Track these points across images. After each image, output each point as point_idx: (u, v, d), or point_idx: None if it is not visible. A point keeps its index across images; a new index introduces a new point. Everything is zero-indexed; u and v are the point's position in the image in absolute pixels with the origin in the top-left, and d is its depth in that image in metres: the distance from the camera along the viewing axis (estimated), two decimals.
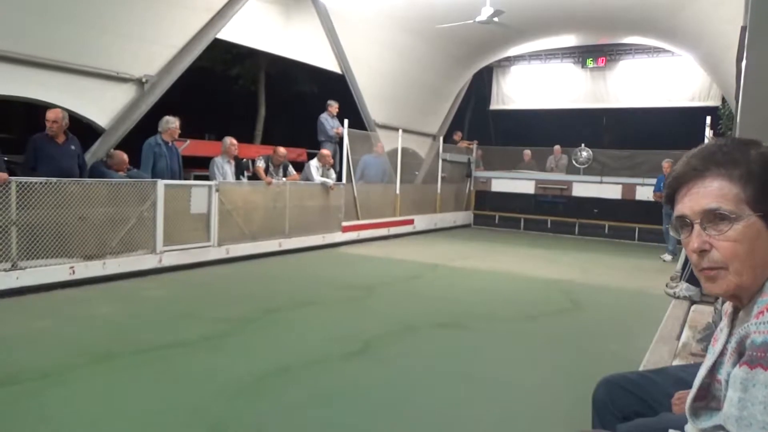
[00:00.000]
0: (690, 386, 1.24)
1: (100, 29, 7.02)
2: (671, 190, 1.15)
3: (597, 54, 15.34)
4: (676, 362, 2.70)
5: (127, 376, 3.71)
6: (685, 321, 4.04)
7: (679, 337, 3.69)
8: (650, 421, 1.42)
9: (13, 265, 5.58)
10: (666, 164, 10.19)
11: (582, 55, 15.54)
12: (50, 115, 6.16)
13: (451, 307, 6.03)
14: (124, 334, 4.60)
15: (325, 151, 9.99)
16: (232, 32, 8.71)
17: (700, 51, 11.61)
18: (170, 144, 7.50)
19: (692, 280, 4.94)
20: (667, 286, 5.59)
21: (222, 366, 3.95)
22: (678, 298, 5.01)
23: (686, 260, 5.72)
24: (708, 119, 10.37)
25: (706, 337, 2.87)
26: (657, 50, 14.29)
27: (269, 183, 8.64)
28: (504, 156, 15.80)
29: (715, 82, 13.29)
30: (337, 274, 7.74)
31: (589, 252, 10.81)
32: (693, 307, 4.06)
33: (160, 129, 7.40)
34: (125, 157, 7.20)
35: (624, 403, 1.63)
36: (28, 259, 5.71)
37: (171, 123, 7.42)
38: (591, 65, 15.51)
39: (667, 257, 9.86)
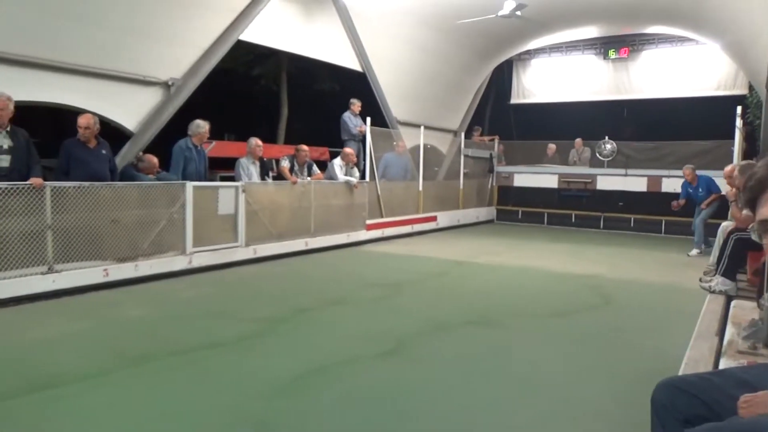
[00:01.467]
0: (754, 388, 1.22)
1: (126, 33, 7.10)
2: (753, 194, 1.13)
3: (619, 45, 15.10)
4: (723, 361, 2.65)
5: (166, 378, 3.76)
6: (723, 317, 3.98)
7: (718, 334, 3.63)
8: (719, 425, 1.39)
9: (49, 269, 5.69)
10: (687, 171, 9.90)
11: (604, 46, 15.32)
12: (82, 121, 6.25)
13: (480, 304, 6.01)
14: (160, 335, 4.67)
15: (349, 150, 10.01)
16: (255, 33, 8.75)
17: (727, 39, 11.37)
18: (199, 147, 7.59)
19: (728, 275, 4.87)
20: (701, 280, 5.51)
21: (258, 366, 3.99)
22: (713, 292, 4.93)
23: (721, 254, 5.63)
24: (739, 109, 10.14)
25: (752, 334, 2.81)
26: (681, 39, 14.03)
27: (294, 182, 8.69)
28: (526, 150, 15.66)
29: (742, 70, 13.02)
30: (364, 273, 7.75)
31: (616, 246, 10.69)
32: (734, 303, 3.98)
33: (190, 132, 7.49)
34: (155, 160, 7.30)
35: (685, 406, 1.61)
36: (63, 262, 5.82)
37: (201, 127, 7.50)
38: (613, 56, 15.28)
39: (694, 252, 9.61)
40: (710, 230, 8.54)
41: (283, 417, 3.15)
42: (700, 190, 9.77)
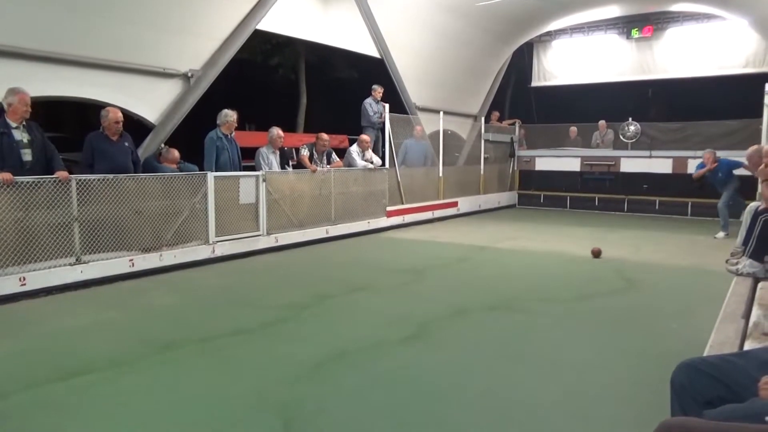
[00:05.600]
0: None
1: (146, 26, 7.17)
2: None
3: (642, 23, 14.72)
4: (748, 343, 2.62)
5: (192, 364, 3.85)
6: (750, 299, 3.91)
7: (745, 316, 3.58)
8: (739, 406, 1.38)
9: (77, 260, 5.83)
10: (707, 155, 9.62)
11: (627, 25, 14.97)
12: (114, 115, 6.36)
13: (502, 288, 6.00)
14: (186, 323, 4.76)
15: (364, 136, 10.02)
16: (272, 22, 8.75)
17: (755, 14, 11.06)
18: (229, 136, 7.67)
19: (756, 257, 4.77)
20: (727, 262, 5.41)
21: (281, 352, 4.05)
22: (740, 275, 4.85)
23: (747, 236, 5.52)
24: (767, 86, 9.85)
25: None
26: (707, 16, 13.63)
27: (314, 171, 8.74)
28: (547, 134, 15.48)
29: None
30: (385, 259, 7.78)
31: (640, 229, 10.54)
32: (761, 285, 3.91)
33: (218, 122, 7.57)
34: (177, 154, 7.38)
35: (705, 387, 1.59)
36: (90, 253, 5.96)
37: (229, 116, 7.58)
38: (636, 35, 14.92)
39: (721, 235, 9.38)
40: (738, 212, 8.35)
41: (306, 402, 3.20)
42: (720, 174, 9.48)
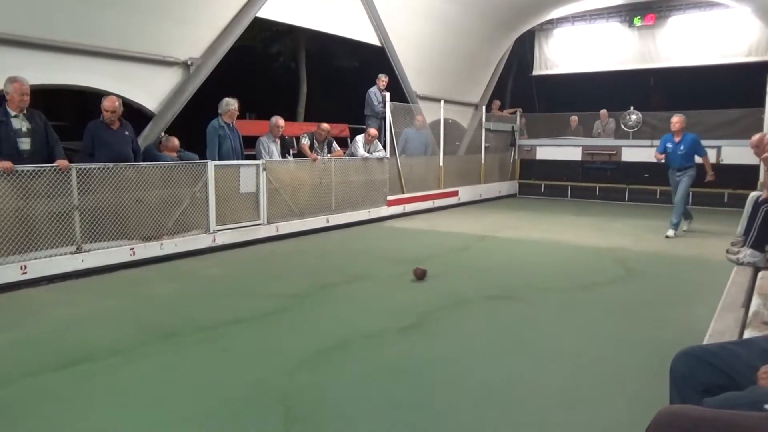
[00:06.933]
0: None
1: (145, 14, 7.12)
2: None
3: (645, 11, 14.62)
4: (747, 332, 2.62)
5: (193, 353, 3.85)
6: (750, 288, 3.91)
7: (745, 305, 3.59)
8: (739, 394, 1.38)
9: (78, 248, 5.83)
10: (677, 119, 8.42)
11: (629, 13, 14.86)
12: (107, 104, 6.31)
13: (502, 278, 6.00)
14: (186, 311, 4.77)
15: (372, 131, 10.00)
16: (272, 10, 8.70)
17: (759, 2, 10.97)
18: (231, 125, 7.64)
19: (757, 246, 4.77)
20: (728, 252, 5.41)
21: (281, 341, 4.06)
22: (741, 264, 4.85)
23: (748, 225, 5.51)
24: None
25: None
26: (710, 4, 13.53)
27: (314, 160, 8.72)
28: (548, 123, 15.43)
29: None
30: (385, 249, 7.78)
31: (641, 218, 10.53)
32: (761, 274, 3.92)
33: (220, 111, 7.54)
34: (177, 142, 7.37)
35: (705, 375, 1.60)
36: (91, 242, 5.96)
37: (231, 105, 7.54)
38: (639, 24, 14.83)
39: (671, 233, 8.39)
40: (736, 202, 8.24)
41: (306, 390, 3.21)
42: (682, 147, 8.32)
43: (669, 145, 8.49)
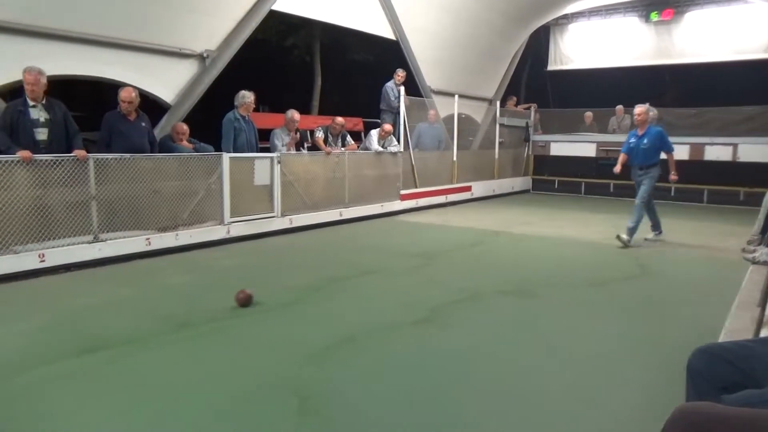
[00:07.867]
0: None
1: (162, 6, 7.17)
2: None
3: (662, 6, 14.44)
4: (764, 330, 2.61)
5: (206, 342, 3.89)
6: (766, 287, 3.89)
7: (761, 304, 3.56)
8: (758, 392, 1.38)
9: (95, 238, 5.91)
10: (640, 110, 7.57)
11: (646, 8, 14.68)
12: (124, 95, 6.37)
13: (515, 274, 5.99)
14: (200, 302, 4.82)
15: (387, 126, 9.99)
16: (287, 2, 8.72)
17: None
18: (247, 118, 7.68)
19: None
20: (743, 250, 5.38)
21: (292, 333, 4.09)
22: (757, 263, 4.82)
23: (765, 224, 5.46)
24: None
25: None
26: None
27: (328, 153, 8.74)
28: (563, 119, 15.31)
29: None
30: (398, 243, 7.79)
31: None
32: None
33: (236, 104, 7.58)
34: (185, 127, 7.34)
35: (722, 372, 1.59)
36: (107, 231, 6.03)
37: (247, 97, 7.58)
38: (656, 19, 14.66)
39: (625, 237, 7.40)
40: (754, 201, 8.13)
41: (316, 382, 3.23)
42: (645, 141, 7.39)
43: (632, 140, 7.58)
